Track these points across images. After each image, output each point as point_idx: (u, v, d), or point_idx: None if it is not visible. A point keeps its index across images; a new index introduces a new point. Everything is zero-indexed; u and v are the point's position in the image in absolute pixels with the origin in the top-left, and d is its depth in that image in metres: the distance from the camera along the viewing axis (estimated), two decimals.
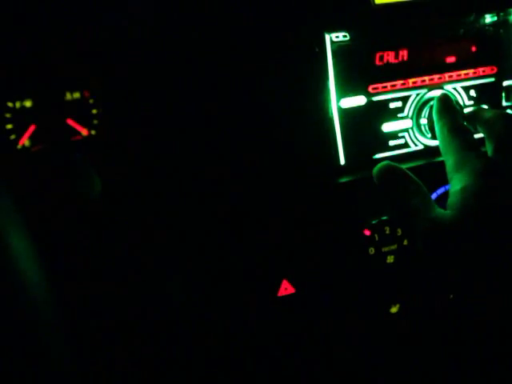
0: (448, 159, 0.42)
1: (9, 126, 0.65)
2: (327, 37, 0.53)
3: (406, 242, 0.55)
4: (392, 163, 0.43)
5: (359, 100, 0.55)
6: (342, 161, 0.55)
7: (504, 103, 0.60)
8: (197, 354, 0.60)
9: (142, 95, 0.59)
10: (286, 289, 0.55)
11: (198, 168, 0.53)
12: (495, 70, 0.60)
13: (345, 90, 0.54)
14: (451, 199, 0.39)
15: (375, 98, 0.55)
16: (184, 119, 0.56)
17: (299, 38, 0.52)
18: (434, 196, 0.56)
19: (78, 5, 0.62)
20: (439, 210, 0.38)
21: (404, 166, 0.54)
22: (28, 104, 0.66)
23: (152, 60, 0.59)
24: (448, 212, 0.37)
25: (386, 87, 0.56)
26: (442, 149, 0.43)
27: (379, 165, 0.43)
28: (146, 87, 0.59)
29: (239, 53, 0.53)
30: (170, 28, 0.59)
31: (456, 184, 0.39)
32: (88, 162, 0.46)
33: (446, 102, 0.45)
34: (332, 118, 0.54)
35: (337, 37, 0.53)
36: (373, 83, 0.55)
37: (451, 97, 0.47)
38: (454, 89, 0.58)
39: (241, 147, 0.52)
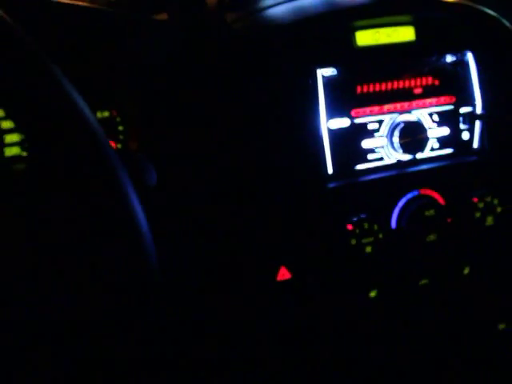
0: None
1: None
2: (319, 72, 0.66)
3: (380, 236, 0.68)
4: None
5: (344, 122, 0.68)
6: (330, 170, 0.68)
7: (461, 126, 0.74)
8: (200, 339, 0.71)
9: (160, 115, 0.71)
10: (283, 274, 0.68)
11: (210, 169, 0.66)
12: (454, 99, 0.73)
13: (332, 113, 0.67)
14: None
15: (357, 121, 0.69)
16: (194, 133, 0.69)
17: (297, 72, 0.66)
18: (402, 201, 0.69)
19: (107, 31, 0.75)
20: None
21: (379, 176, 0.68)
22: None
23: (170, 84, 0.72)
24: None
25: (365, 112, 0.69)
26: None
27: None
28: (163, 107, 0.71)
29: (246, 84, 0.66)
30: (187, 59, 0.73)
31: None
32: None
33: None
34: (322, 136, 0.67)
35: (326, 72, 0.67)
36: (355, 108, 0.69)
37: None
38: (421, 114, 0.72)
39: (249, 158, 0.65)
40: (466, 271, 0.76)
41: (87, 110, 0.38)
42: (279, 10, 0.72)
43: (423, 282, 0.74)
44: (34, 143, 0.39)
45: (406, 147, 0.69)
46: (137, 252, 0.37)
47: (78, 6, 0.79)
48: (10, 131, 0.76)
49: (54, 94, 0.37)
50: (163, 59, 0.75)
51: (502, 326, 0.83)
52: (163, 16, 0.84)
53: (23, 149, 0.78)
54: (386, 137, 0.70)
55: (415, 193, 0.70)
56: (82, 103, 0.39)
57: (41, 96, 0.37)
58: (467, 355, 0.82)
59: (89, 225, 0.37)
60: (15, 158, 0.78)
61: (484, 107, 0.74)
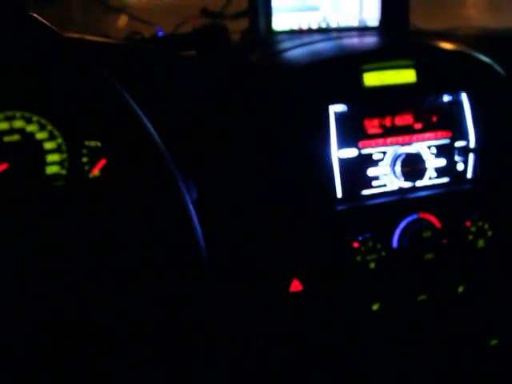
0: None
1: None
2: (331, 108, 0.76)
3: (383, 253, 0.76)
4: None
5: (352, 152, 0.77)
6: (339, 194, 0.76)
7: (456, 158, 0.83)
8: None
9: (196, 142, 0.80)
10: (296, 286, 0.76)
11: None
12: (450, 134, 0.82)
13: (342, 144, 0.76)
14: None
15: (363, 151, 0.77)
16: (221, 157, 0.78)
17: (312, 108, 0.75)
18: (403, 223, 0.77)
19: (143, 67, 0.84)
20: None
21: (382, 200, 0.76)
22: (98, 144, 0.87)
23: (199, 114, 0.81)
24: None
25: (371, 144, 0.78)
26: None
27: None
28: (197, 135, 0.80)
29: (268, 117, 0.76)
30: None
31: None
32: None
33: None
34: (332, 164, 0.76)
35: (337, 108, 0.76)
36: (362, 140, 0.77)
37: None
38: (420, 146, 0.80)
39: (270, 181, 0.74)
40: (461, 289, 0.84)
41: (155, 135, 0.47)
42: (297, 53, 0.81)
43: (421, 297, 0.81)
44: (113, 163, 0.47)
45: (407, 175, 0.78)
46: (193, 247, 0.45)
47: (113, 43, 0.89)
48: (51, 151, 0.86)
49: (135, 123, 0.45)
50: (196, 92, 0.84)
51: (493, 342, 0.90)
52: (192, 53, 0.94)
53: (62, 167, 0.87)
54: (389, 166, 0.79)
55: (414, 216, 0.78)
56: (151, 129, 0.47)
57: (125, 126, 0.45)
58: (461, 368, 0.89)
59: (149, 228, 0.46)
60: (55, 176, 0.87)
61: (477, 142, 0.82)
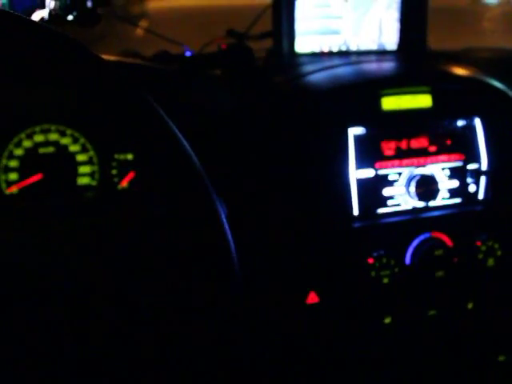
0: None
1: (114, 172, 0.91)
2: (350, 130, 0.80)
3: (396, 270, 0.80)
4: None
5: (369, 172, 0.81)
6: (356, 212, 0.80)
7: (469, 180, 0.86)
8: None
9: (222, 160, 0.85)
10: (312, 298, 0.80)
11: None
12: (463, 157, 0.85)
13: (359, 165, 0.80)
14: None
15: (380, 172, 0.81)
16: (246, 175, 0.82)
17: (332, 130, 0.79)
18: (416, 242, 0.81)
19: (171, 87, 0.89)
20: None
21: (396, 219, 0.80)
22: (130, 157, 0.92)
23: (224, 133, 0.86)
24: None
25: (387, 165, 0.82)
26: None
27: None
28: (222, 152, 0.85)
29: (291, 137, 0.80)
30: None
31: None
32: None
33: None
34: (350, 183, 0.80)
35: (356, 131, 0.80)
36: (379, 161, 0.82)
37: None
38: (434, 168, 0.84)
39: (292, 198, 0.79)
40: (470, 306, 0.87)
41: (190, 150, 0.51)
42: (319, 77, 0.86)
43: (432, 312, 0.85)
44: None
45: (421, 196, 0.81)
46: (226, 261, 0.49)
47: (139, 64, 0.94)
48: (83, 163, 0.91)
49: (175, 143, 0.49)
50: (222, 111, 0.89)
51: (501, 358, 0.93)
52: (218, 72, 0.99)
53: (93, 179, 0.92)
54: (404, 186, 0.82)
55: (427, 235, 0.81)
56: (187, 145, 0.51)
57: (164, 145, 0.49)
58: (469, 382, 0.92)
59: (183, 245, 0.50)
60: (86, 187, 0.92)
61: (488, 165, 0.85)
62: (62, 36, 0.48)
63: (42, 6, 0.75)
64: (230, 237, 0.49)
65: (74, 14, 0.76)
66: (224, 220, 0.49)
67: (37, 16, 0.75)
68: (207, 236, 0.49)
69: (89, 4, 0.75)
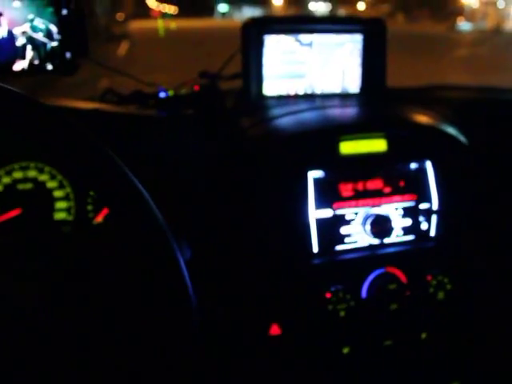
0: None
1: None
2: (309, 173, 0.86)
3: (352, 303, 0.86)
4: None
5: (327, 212, 0.87)
6: (315, 249, 0.86)
7: (421, 218, 0.93)
8: None
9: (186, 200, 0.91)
10: (275, 330, 0.86)
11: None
12: (415, 197, 0.91)
13: (318, 205, 0.86)
14: None
15: (337, 212, 0.87)
16: (209, 215, 0.88)
17: (292, 172, 0.86)
18: (371, 276, 0.87)
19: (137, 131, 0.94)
20: None
21: (353, 255, 0.86)
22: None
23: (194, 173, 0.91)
24: None
25: (344, 205, 0.88)
26: None
27: None
28: (187, 193, 0.91)
29: (253, 178, 0.86)
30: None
31: None
32: None
33: None
34: (309, 223, 0.86)
35: (315, 174, 0.87)
36: (336, 202, 0.87)
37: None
38: (388, 208, 0.91)
39: (252, 237, 0.84)
40: (424, 336, 0.93)
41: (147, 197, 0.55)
42: (282, 122, 0.93)
43: (387, 342, 0.91)
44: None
45: (376, 234, 0.87)
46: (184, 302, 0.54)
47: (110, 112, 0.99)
48: (60, 199, 0.95)
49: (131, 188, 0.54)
50: (193, 152, 0.94)
51: None
52: (190, 112, 1.05)
53: (69, 214, 0.96)
54: (361, 225, 0.88)
55: (382, 270, 0.87)
56: (144, 192, 0.55)
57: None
58: None
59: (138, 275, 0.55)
60: (63, 222, 0.96)
61: (439, 204, 0.92)
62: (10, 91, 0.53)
63: (23, 57, 0.80)
64: (186, 276, 0.53)
65: (54, 63, 0.81)
66: (181, 261, 0.54)
67: (17, 66, 0.80)
68: (166, 277, 0.54)
69: (67, 55, 0.81)
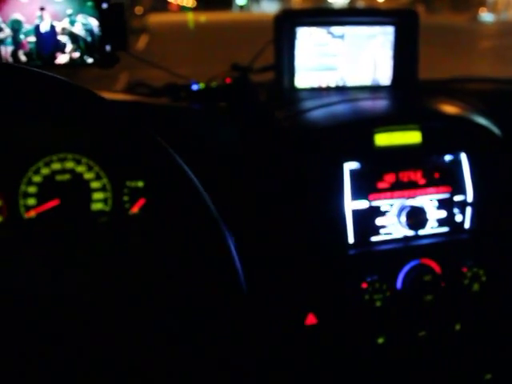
0: None
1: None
2: (346, 165, 0.87)
3: (388, 294, 0.86)
4: None
5: (363, 204, 0.88)
6: (351, 240, 0.87)
7: (455, 210, 0.93)
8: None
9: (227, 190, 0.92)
10: (311, 320, 0.87)
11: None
12: (450, 189, 0.92)
13: (354, 197, 0.87)
14: None
15: (373, 203, 0.88)
16: (248, 204, 0.89)
17: (329, 164, 0.86)
18: (406, 268, 0.88)
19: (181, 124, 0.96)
20: None
21: (388, 247, 0.87)
22: (140, 184, 0.98)
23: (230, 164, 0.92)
24: None
25: (380, 197, 0.88)
26: None
27: None
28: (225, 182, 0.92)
29: (291, 171, 0.87)
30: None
31: None
32: None
33: None
34: (345, 214, 0.87)
35: (351, 165, 0.87)
36: (372, 193, 0.88)
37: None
38: (423, 200, 0.91)
39: (292, 227, 0.85)
40: (458, 327, 0.94)
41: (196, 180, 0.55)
42: (317, 114, 0.93)
43: (421, 333, 0.91)
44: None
45: (411, 225, 0.88)
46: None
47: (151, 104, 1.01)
48: (96, 190, 0.97)
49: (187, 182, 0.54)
50: (224, 144, 0.96)
51: (487, 376, 0.99)
52: (223, 104, 1.07)
53: (106, 205, 0.98)
54: (396, 216, 0.89)
55: (417, 261, 0.88)
56: (193, 176, 0.56)
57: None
58: None
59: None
60: (99, 213, 0.98)
61: (474, 196, 0.92)
62: (74, 86, 0.54)
63: (63, 51, 0.82)
64: (238, 262, 0.54)
65: (94, 57, 0.82)
66: (232, 246, 0.54)
67: (59, 60, 0.82)
68: (217, 262, 0.54)
69: (107, 48, 0.82)
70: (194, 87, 1.12)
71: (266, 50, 1.17)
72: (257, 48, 1.20)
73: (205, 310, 0.56)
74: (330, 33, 1.08)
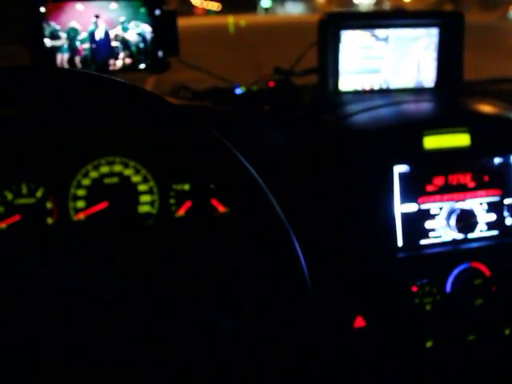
0: None
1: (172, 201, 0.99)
2: (395, 168, 0.87)
3: (438, 297, 0.86)
4: None
5: (412, 207, 0.87)
6: (400, 244, 0.87)
7: (505, 213, 0.92)
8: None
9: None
10: (359, 322, 0.87)
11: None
12: (500, 192, 0.91)
13: (403, 200, 0.87)
14: None
15: (422, 206, 0.88)
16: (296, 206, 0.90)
17: (379, 168, 0.86)
18: (456, 271, 0.87)
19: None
20: None
21: (438, 250, 0.86)
22: (186, 187, 1.00)
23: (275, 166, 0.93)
24: None
25: (429, 200, 0.88)
26: None
27: None
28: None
29: (340, 176, 0.88)
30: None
31: None
32: None
33: None
34: (395, 217, 0.87)
35: (400, 168, 0.87)
36: (421, 197, 0.88)
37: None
38: (473, 203, 0.90)
39: (341, 230, 0.86)
40: (508, 332, 0.93)
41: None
42: (363, 118, 0.93)
43: (471, 337, 0.90)
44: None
45: (461, 228, 0.87)
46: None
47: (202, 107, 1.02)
48: (144, 193, 0.99)
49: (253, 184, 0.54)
50: (271, 147, 0.97)
51: None
52: (267, 108, 1.08)
53: (153, 207, 1.00)
54: (445, 220, 0.88)
55: (466, 265, 0.87)
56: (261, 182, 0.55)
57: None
58: None
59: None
60: (147, 215, 1.00)
61: None
62: (132, 88, 0.54)
63: (117, 57, 0.84)
64: (304, 265, 0.54)
65: (146, 62, 0.85)
66: (299, 251, 0.54)
67: (113, 66, 0.84)
68: (284, 262, 0.54)
69: (159, 54, 0.84)
70: (238, 91, 1.14)
71: (297, 50, 1.18)
72: (288, 50, 1.21)
73: (269, 311, 0.56)
74: (374, 35, 1.08)
